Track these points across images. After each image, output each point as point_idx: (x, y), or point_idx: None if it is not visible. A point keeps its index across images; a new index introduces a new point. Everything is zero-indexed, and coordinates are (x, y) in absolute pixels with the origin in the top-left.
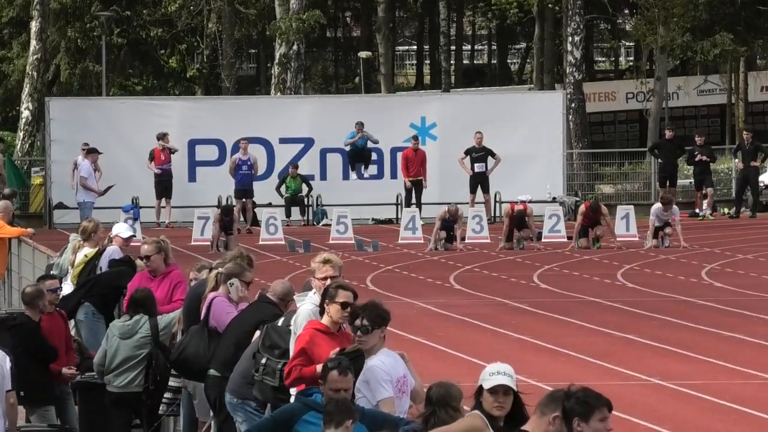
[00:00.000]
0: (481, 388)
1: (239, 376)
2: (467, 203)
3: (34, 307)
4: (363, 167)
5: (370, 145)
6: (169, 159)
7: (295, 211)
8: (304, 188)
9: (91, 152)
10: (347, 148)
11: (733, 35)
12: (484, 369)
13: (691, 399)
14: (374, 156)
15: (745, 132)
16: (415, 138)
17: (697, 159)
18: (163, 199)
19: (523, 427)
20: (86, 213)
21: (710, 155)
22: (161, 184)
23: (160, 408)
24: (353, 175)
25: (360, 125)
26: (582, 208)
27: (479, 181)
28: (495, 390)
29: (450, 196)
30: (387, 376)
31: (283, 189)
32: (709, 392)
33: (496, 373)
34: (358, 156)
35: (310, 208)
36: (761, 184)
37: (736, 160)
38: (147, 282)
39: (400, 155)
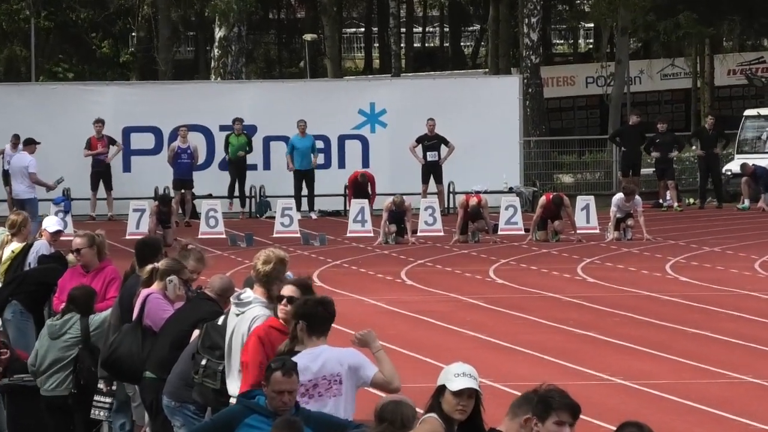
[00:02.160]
0: (442, 388)
1: (177, 378)
2: (419, 194)
3: None
4: (309, 204)
5: (319, 161)
6: (106, 149)
7: (236, 203)
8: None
9: (29, 143)
10: (291, 164)
11: (697, 16)
12: (446, 368)
13: (655, 399)
14: (321, 144)
15: (708, 117)
16: (362, 176)
17: (652, 154)
18: (104, 191)
19: (494, 428)
20: (36, 210)
21: (673, 143)
22: (97, 174)
23: (100, 413)
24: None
25: (303, 124)
26: (543, 199)
27: (432, 170)
28: (461, 392)
29: (401, 187)
30: None
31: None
32: (674, 392)
33: (461, 375)
34: (303, 177)
35: (253, 199)
36: (728, 173)
37: (694, 147)
38: (79, 278)
39: (348, 143)
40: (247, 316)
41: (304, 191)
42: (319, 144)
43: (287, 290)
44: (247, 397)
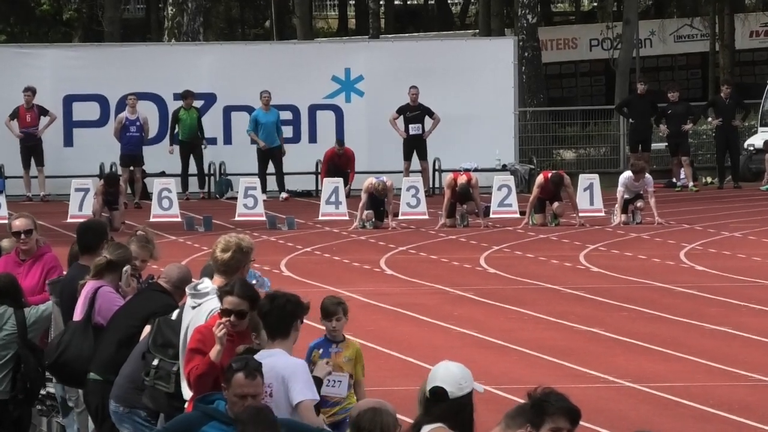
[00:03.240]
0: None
1: (126, 380)
2: (401, 172)
3: None
4: (278, 183)
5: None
6: (36, 121)
7: (194, 182)
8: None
9: None
10: (261, 142)
11: None
12: (466, 372)
13: (669, 404)
14: (288, 115)
15: (724, 85)
16: (339, 142)
17: (661, 127)
18: (35, 168)
19: None
20: None
21: (687, 114)
22: (27, 149)
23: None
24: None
25: (267, 95)
26: (540, 178)
27: (415, 145)
28: None
29: (380, 164)
30: None
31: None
32: (690, 396)
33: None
34: (269, 156)
35: (212, 177)
36: (749, 148)
37: (710, 119)
38: (14, 267)
39: (320, 113)
40: (204, 308)
41: (270, 169)
42: (287, 115)
43: (229, 303)
44: (205, 401)
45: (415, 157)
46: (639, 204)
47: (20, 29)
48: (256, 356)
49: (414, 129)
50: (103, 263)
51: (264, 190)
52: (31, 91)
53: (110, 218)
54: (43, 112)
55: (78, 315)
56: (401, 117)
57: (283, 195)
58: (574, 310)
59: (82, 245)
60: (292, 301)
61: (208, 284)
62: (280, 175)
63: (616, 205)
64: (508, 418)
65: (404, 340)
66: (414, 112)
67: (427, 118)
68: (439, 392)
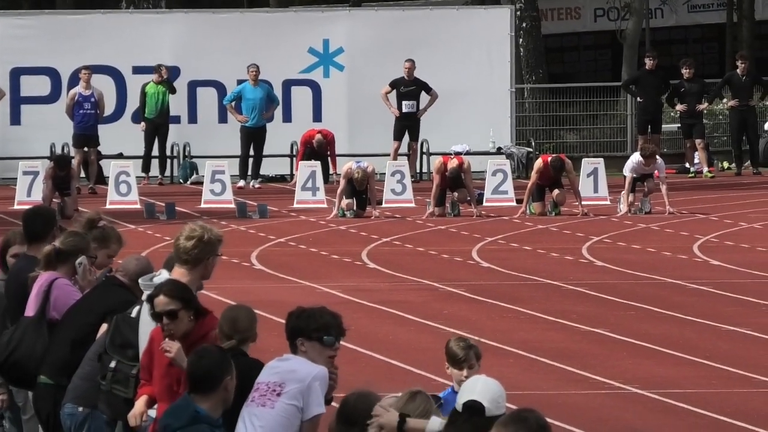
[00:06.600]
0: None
1: (83, 379)
2: (386, 155)
3: None
4: (254, 169)
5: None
6: None
7: (154, 165)
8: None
9: None
10: (236, 114)
11: None
12: (500, 389)
13: (681, 413)
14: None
15: (740, 60)
16: (319, 142)
17: (678, 107)
18: None
19: None
20: None
21: (702, 92)
22: None
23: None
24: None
25: (255, 69)
26: (539, 163)
27: (407, 124)
28: None
29: (362, 146)
30: None
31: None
32: (704, 404)
33: None
34: (252, 137)
35: (176, 159)
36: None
37: (725, 100)
38: None
39: (297, 90)
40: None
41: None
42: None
43: (157, 305)
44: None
45: (406, 138)
46: (649, 184)
47: None
48: (275, 361)
49: (408, 106)
50: (51, 253)
51: (244, 176)
52: None
53: (62, 205)
54: None
55: (31, 311)
56: (394, 91)
57: (255, 184)
58: (575, 308)
59: (29, 233)
60: (315, 316)
61: (163, 277)
62: (257, 160)
63: (623, 192)
64: (499, 425)
65: (388, 340)
66: (409, 87)
67: (423, 94)
68: (476, 407)
